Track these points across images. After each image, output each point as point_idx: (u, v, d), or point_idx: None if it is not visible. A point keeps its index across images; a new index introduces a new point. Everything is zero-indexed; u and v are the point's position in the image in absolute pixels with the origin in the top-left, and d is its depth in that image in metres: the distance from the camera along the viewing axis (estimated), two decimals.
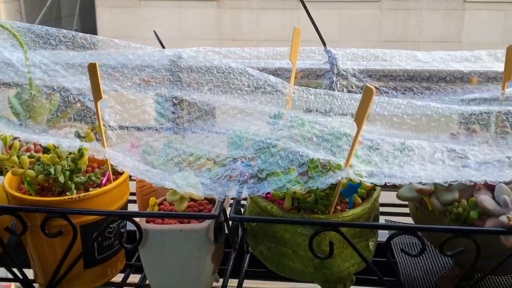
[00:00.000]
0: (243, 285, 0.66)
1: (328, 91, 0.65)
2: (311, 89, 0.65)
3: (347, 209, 0.58)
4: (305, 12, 0.74)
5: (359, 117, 0.51)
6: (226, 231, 0.62)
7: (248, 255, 0.70)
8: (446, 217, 0.58)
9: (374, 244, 0.63)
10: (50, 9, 5.02)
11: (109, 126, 0.62)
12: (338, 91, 0.72)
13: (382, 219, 0.69)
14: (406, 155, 0.59)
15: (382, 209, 0.69)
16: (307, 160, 0.55)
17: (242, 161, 0.57)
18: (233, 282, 0.66)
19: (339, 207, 0.59)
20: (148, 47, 0.71)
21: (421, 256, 0.70)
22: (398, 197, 0.61)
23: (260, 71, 0.67)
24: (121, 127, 0.63)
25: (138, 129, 0.65)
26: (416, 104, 0.63)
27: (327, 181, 0.53)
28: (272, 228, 0.59)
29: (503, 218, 0.53)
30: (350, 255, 0.58)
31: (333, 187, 0.56)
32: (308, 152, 0.56)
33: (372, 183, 0.52)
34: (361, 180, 0.52)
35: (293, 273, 0.60)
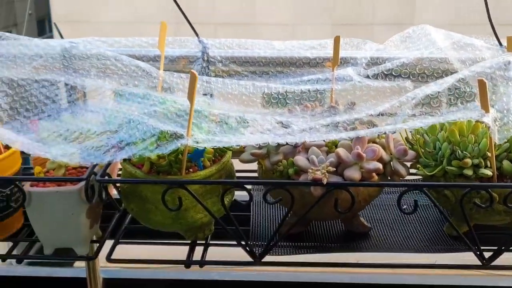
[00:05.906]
0: None
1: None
2: (175, 73, 0.79)
3: (198, 171, 0.72)
4: None
5: (190, 95, 0.65)
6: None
7: (129, 215, 0.83)
8: (274, 174, 0.73)
9: (230, 200, 0.77)
10: None
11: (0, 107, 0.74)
12: (207, 75, 0.86)
13: None
14: (242, 126, 0.73)
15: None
16: (158, 132, 0.69)
17: (107, 134, 0.71)
18: None
19: (191, 170, 0.73)
20: (40, 40, 0.82)
21: (271, 208, 0.85)
22: (240, 160, 0.75)
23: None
24: (11, 109, 0.75)
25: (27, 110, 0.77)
26: (257, 84, 0.77)
27: (169, 148, 0.66)
28: (138, 188, 0.73)
29: (309, 173, 0.68)
30: (202, 208, 0.72)
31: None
32: (159, 125, 0.69)
33: (205, 147, 0.66)
34: (197, 146, 0.67)
35: (157, 225, 0.74)
